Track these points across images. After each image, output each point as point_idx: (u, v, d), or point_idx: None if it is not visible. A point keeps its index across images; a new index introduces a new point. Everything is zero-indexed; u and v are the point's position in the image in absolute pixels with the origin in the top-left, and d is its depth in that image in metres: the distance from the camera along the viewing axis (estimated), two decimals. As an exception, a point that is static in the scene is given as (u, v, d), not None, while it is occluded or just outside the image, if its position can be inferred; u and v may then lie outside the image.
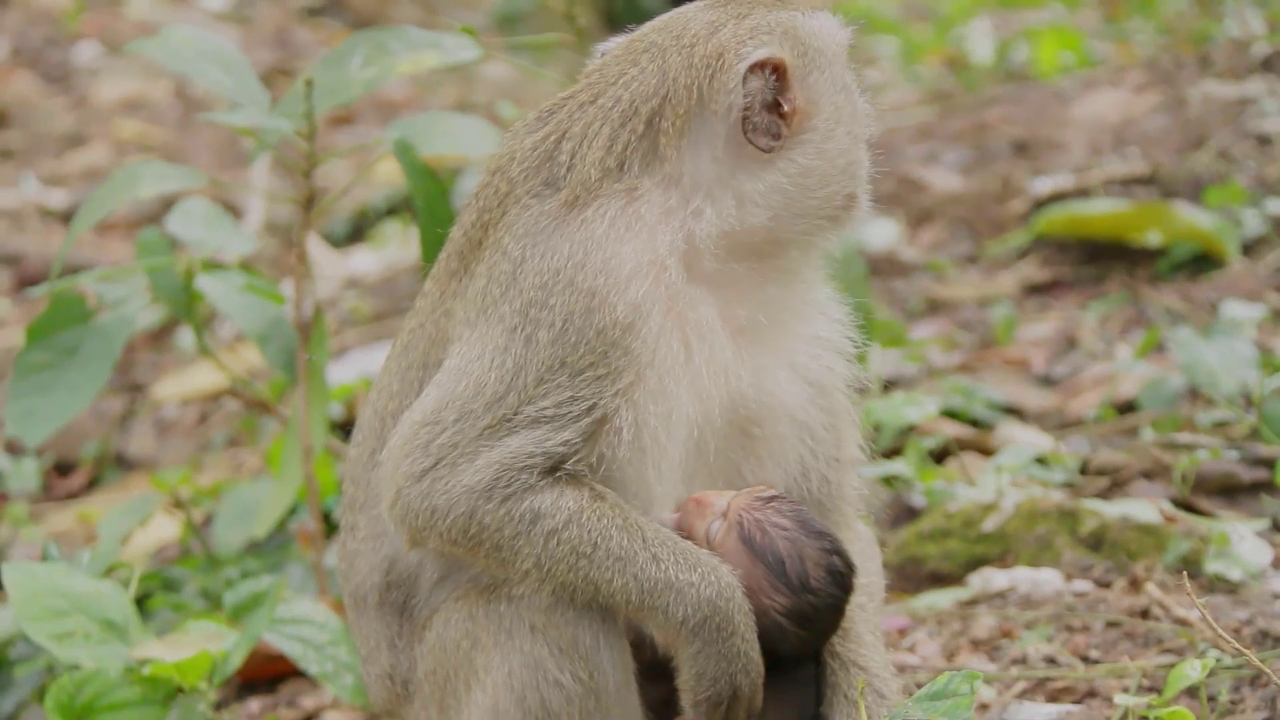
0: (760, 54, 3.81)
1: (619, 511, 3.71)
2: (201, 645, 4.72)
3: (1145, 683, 4.55)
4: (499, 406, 3.75)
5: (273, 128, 5.37)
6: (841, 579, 3.82)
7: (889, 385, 6.83)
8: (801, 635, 3.80)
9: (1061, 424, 6.68)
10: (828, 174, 3.88)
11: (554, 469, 3.74)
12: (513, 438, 3.73)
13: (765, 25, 3.87)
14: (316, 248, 10.00)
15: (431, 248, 5.22)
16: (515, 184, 3.94)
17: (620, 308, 3.75)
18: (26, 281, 10.33)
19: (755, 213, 3.84)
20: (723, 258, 3.84)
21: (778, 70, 3.82)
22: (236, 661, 4.78)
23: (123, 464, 8.19)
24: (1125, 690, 4.44)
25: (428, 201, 5.35)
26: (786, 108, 3.84)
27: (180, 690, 4.74)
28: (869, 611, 4.03)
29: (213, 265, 5.65)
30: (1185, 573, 5.03)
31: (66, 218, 11.32)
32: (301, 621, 5.05)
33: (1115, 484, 6.01)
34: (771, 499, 3.84)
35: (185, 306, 5.60)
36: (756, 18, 3.89)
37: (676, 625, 3.67)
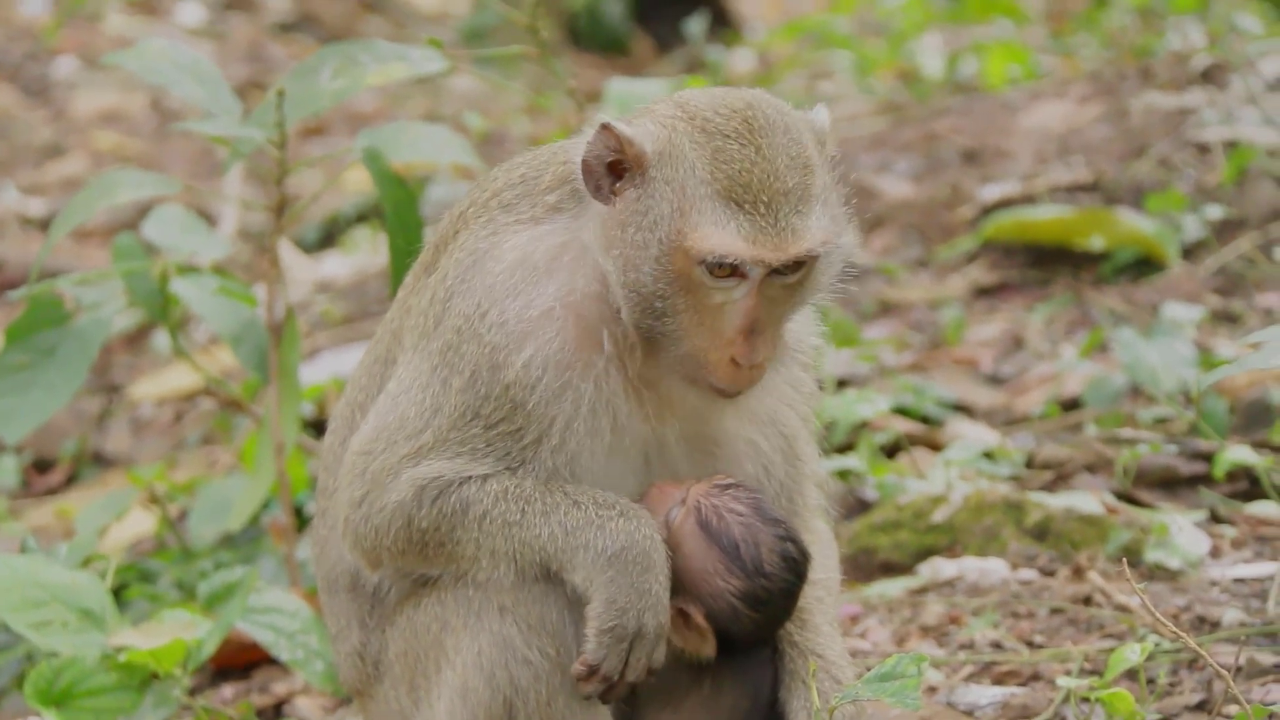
0: (624, 129, 3.69)
1: (538, 479, 3.74)
2: (176, 633, 4.73)
3: (1087, 666, 4.59)
4: (418, 439, 3.79)
5: (246, 137, 5.37)
6: (795, 565, 3.83)
7: (843, 383, 6.90)
8: (755, 619, 3.81)
9: (1008, 420, 6.71)
10: (628, 258, 3.70)
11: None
12: (433, 463, 3.77)
13: (673, 119, 3.72)
14: (288, 253, 9.98)
15: (401, 253, 5.27)
16: (488, 197, 3.94)
17: (514, 368, 3.73)
18: (6, 286, 10.23)
19: (612, 270, 3.73)
20: (621, 318, 3.75)
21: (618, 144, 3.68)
22: (210, 648, 4.79)
23: (100, 462, 8.18)
24: (1068, 673, 4.48)
25: (396, 208, 5.36)
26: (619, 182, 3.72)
27: (155, 676, 4.75)
28: (827, 604, 4.03)
29: (187, 269, 5.66)
30: (1126, 561, 5.10)
31: (45, 225, 11.32)
32: (273, 610, 5.07)
33: (1059, 477, 6.05)
34: (729, 486, 3.85)
35: (161, 309, 5.61)
36: (684, 118, 3.72)
37: (596, 556, 3.67)
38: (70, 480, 8.03)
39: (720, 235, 3.61)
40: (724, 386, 3.72)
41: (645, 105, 3.91)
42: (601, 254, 3.74)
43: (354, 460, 3.87)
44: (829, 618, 4.00)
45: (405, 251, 5.17)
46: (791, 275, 3.69)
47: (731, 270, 3.63)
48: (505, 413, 3.74)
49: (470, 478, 3.74)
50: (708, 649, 3.83)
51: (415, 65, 5.37)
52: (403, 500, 3.76)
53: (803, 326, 4.02)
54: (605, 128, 3.69)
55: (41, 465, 8.18)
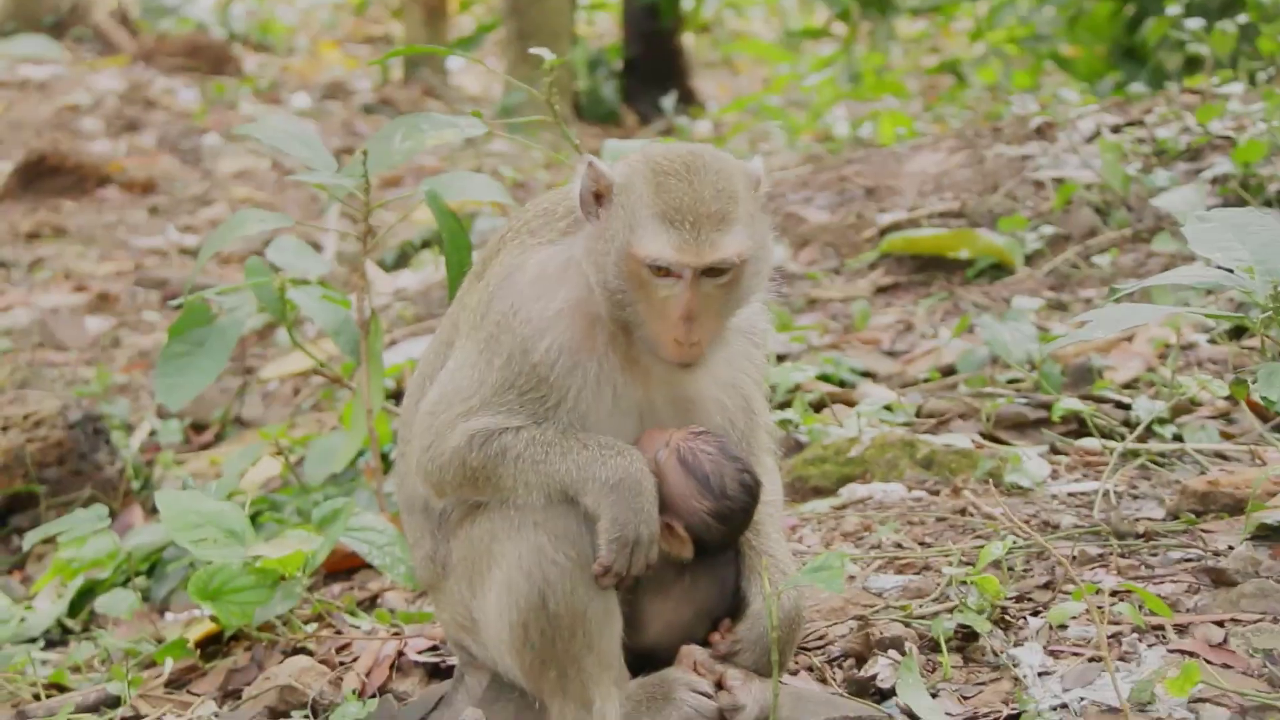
0: (601, 166, 3.61)
1: (558, 428, 3.68)
2: (296, 546, 4.73)
3: (964, 559, 4.56)
4: (470, 401, 3.71)
5: (340, 185, 5.35)
6: (750, 489, 3.78)
7: (782, 358, 6.89)
8: (722, 530, 3.77)
9: (903, 383, 6.68)
10: (598, 262, 3.61)
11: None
12: (480, 418, 3.69)
13: (636, 162, 3.61)
14: (373, 270, 9.96)
15: (456, 270, 5.25)
16: (520, 225, 3.87)
17: (539, 352, 3.66)
18: (169, 297, 10.39)
19: (590, 272, 3.64)
20: (609, 319, 3.65)
21: (596, 176, 3.60)
22: (321, 557, 4.78)
23: (240, 424, 8.14)
24: (950, 564, 4.45)
25: (452, 236, 5.31)
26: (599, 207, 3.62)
27: (283, 578, 4.75)
28: (775, 518, 3.97)
29: (300, 283, 5.65)
30: (991, 482, 5.10)
31: (196, 253, 11.34)
32: (367, 529, 5.04)
33: (940, 423, 6.02)
34: (701, 433, 3.79)
35: (281, 312, 5.58)
36: (643, 161, 3.61)
37: (601, 485, 3.60)
38: (218, 438, 8.00)
39: (656, 245, 3.51)
40: (672, 359, 3.62)
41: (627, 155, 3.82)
42: (585, 262, 3.65)
43: (423, 418, 3.81)
44: (777, 527, 3.95)
45: (459, 267, 5.23)
46: (720, 277, 3.57)
47: (667, 271, 3.53)
48: (533, 384, 3.67)
49: (508, 429, 3.67)
50: (687, 552, 3.77)
51: (463, 131, 5.30)
52: (458, 446, 3.70)
53: (755, 316, 3.94)
54: (590, 165, 3.62)
55: (198, 427, 8.14)
